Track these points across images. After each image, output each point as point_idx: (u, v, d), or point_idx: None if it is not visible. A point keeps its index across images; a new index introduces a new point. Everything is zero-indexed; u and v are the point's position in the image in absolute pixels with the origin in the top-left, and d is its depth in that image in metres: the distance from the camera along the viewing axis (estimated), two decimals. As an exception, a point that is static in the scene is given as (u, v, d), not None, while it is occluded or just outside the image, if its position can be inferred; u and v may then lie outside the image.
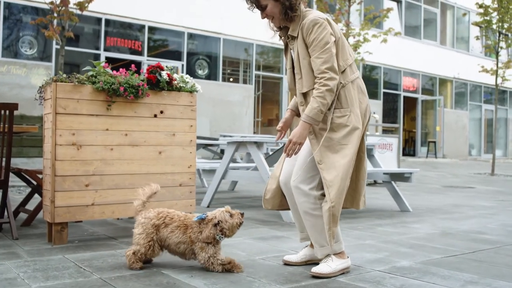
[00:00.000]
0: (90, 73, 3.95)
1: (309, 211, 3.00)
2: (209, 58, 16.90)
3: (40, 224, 4.63)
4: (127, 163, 4.00)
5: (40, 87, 4.04)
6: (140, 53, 14.88)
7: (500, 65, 16.51)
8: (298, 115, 3.24)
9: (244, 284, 2.79)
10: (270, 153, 7.66)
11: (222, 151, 10.84)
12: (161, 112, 4.18)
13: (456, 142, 23.98)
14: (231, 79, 17.61)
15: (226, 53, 17.19)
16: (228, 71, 17.60)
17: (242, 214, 3.07)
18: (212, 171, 6.55)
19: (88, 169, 3.83)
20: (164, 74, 4.16)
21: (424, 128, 23.37)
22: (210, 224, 3.00)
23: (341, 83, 3.01)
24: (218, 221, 3.00)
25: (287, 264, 3.25)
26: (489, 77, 21.16)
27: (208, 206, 6.15)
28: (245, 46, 17.75)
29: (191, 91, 4.35)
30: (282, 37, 3.23)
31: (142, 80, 4.07)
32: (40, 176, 4.56)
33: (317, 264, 3.15)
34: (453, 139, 23.79)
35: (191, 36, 16.27)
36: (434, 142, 22.47)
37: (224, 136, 12.38)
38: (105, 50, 14.12)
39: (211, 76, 16.66)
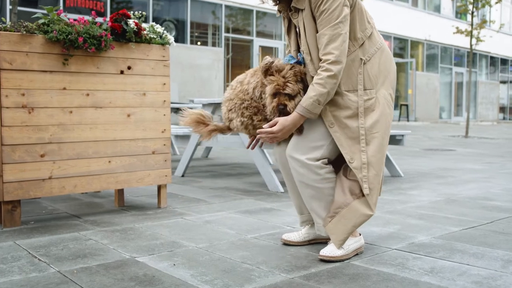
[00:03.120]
0: (41, 21, 3.28)
1: (311, 183, 2.45)
2: (176, 20, 16.06)
3: (-10, 201, 3.99)
4: (89, 128, 3.38)
5: (-21, 38, 3.35)
6: (102, 15, 13.94)
7: (473, 26, 16.15)
8: None
9: (240, 273, 2.25)
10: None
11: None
12: (129, 67, 3.55)
13: (427, 105, 23.85)
14: (198, 43, 16.83)
15: (194, 14, 16.35)
16: (196, 34, 16.80)
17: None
18: (186, 137, 5.96)
19: (43, 136, 3.20)
20: (131, 22, 3.52)
21: (396, 91, 23.07)
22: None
23: (361, 59, 2.44)
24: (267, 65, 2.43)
25: (287, 244, 2.72)
26: (460, 40, 20.88)
27: (182, 176, 5.59)
28: (214, 7, 16.93)
29: (163, 43, 3.72)
30: (282, 12, 2.57)
31: (105, 30, 3.42)
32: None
33: (324, 243, 2.65)
34: (424, 102, 23.63)
35: (156, -4, 15.37)
36: (407, 105, 22.25)
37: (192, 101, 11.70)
38: (64, 11, 13.11)
39: (179, 39, 15.84)
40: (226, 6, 17.20)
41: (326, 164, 2.47)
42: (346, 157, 2.41)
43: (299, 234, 2.73)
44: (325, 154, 2.46)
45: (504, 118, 30.88)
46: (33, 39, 3.16)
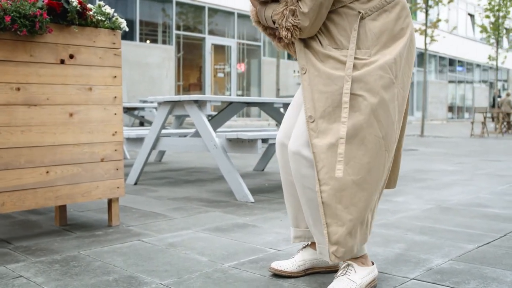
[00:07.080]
0: (-44, -5, 2.59)
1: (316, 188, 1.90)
2: (124, 18, 15.24)
3: None
4: (21, 131, 2.70)
5: None
6: (43, 9, 12.98)
7: (427, 25, 16.10)
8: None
9: (225, 324, 1.67)
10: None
11: (143, 117, 9.52)
12: (71, 56, 2.89)
13: (380, 105, 23.82)
14: (148, 41, 16.04)
15: (143, 11, 15.57)
16: (146, 31, 16.01)
17: None
18: (138, 140, 5.30)
19: (-41, 142, 2.51)
20: (73, 0, 2.86)
21: (349, 91, 22.93)
22: None
23: (359, 12, 1.88)
24: None
25: (277, 275, 2.15)
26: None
27: (135, 184, 4.94)
28: (163, 4, 16.20)
29: (114, 27, 3.09)
30: None
31: (41, 8, 2.75)
32: None
33: (326, 274, 2.09)
34: (377, 102, 23.58)
35: (102, -10, 14.51)
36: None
37: (144, 101, 10.93)
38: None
39: (127, 36, 15.01)
40: (177, 3, 16.50)
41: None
42: (306, 113, 1.87)
43: (292, 262, 2.16)
44: None
45: (452, 117, 31.41)
46: None
